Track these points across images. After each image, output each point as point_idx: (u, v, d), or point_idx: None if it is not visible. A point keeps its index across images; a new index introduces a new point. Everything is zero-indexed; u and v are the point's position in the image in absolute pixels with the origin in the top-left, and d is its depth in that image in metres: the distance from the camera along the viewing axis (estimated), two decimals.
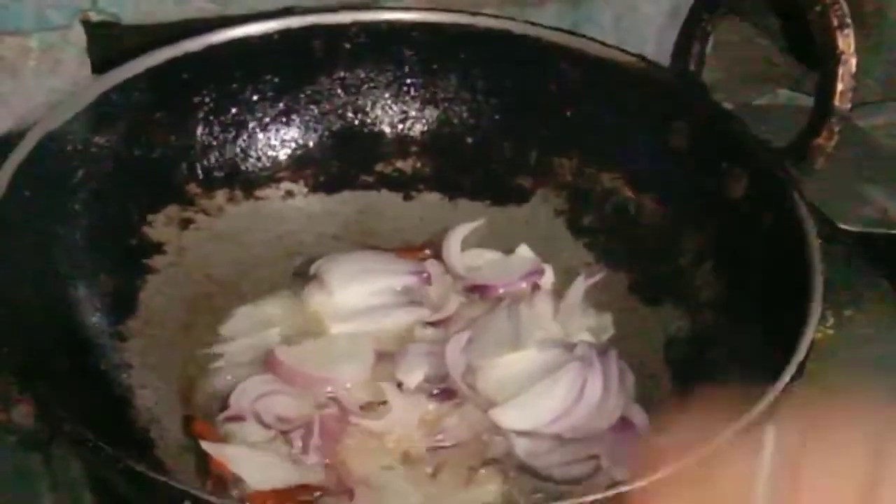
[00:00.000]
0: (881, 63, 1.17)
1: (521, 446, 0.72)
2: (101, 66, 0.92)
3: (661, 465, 0.59)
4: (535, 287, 0.85)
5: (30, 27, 0.93)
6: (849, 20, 0.74)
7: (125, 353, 0.77)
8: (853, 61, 0.75)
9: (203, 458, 0.72)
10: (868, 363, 0.88)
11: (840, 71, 0.74)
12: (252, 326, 0.81)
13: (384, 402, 0.75)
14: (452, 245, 0.86)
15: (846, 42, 0.74)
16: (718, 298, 0.79)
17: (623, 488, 0.59)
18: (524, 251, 0.86)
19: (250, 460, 0.72)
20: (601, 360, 0.75)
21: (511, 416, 0.73)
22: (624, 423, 0.75)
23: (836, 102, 0.75)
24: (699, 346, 0.79)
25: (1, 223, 0.72)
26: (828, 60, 0.75)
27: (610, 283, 0.85)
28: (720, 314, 0.79)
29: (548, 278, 0.86)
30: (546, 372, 0.75)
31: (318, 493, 0.71)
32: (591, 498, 0.58)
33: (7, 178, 0.74)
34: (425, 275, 0.83)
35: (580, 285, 0.85)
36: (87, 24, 0.95)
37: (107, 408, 0.72)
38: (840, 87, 0.74)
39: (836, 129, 0.75)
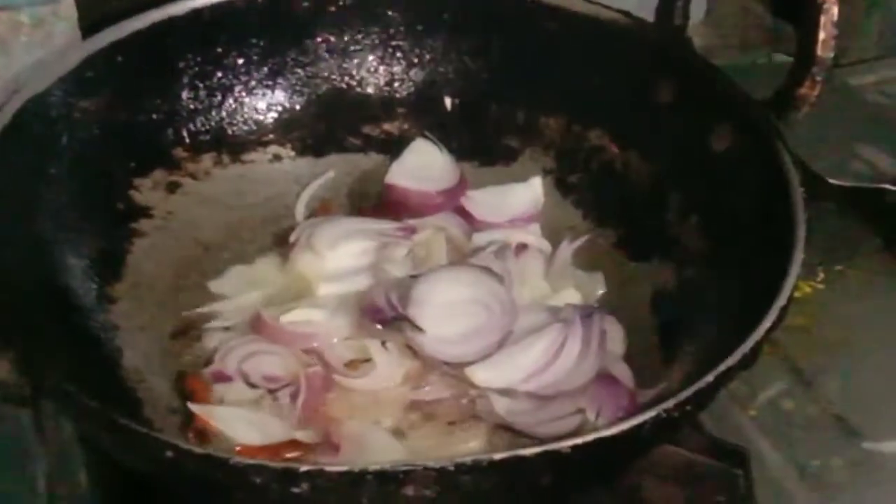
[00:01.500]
0: (874, 22, 1.17)
1: (501, 404, 0.72)
2: None
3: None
4: (523, 246, 0.85)
5: (20, 1, 0.93)
6: None
7: (113, 315, 0.77)
8: (835, 10, 0.74)
9: (190, 417, 0.72)
10: (859, 317, 0.88)
11: (822, 19, 0.74)
12: (240, 287, 0.81)
13: (368, 360, 0.75)
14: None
15: None
16: (704, 251, 0.79)
17: (598, 434, 0.60)
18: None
19: (239, 419, 0.73)
20: (584, 322, 0.75)
21: (485, 374, 0.73)
22: (608, 378, 0.75)
23: (819, 52, 0.74)
24: (685, 299, 0.79)
25: None
26: (809, 9, 0.74)
27: (597, 239, 0.86)
28: (706, 267, 0.78)
29: (536, 236, 0.86)
30: (528, 333, 0.75)
31: (305, 449, 0.71)
32: (568, 443, 0.58)
33: None
34: (410, 233, 0.83)
35: (567, 247, 0.85)
36: None
37: (94, 368, 0.73)
38: (822, 35, 0.74)
39: (819, 78, 0.75)
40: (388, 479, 0.57)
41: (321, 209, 0.88)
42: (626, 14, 0.87)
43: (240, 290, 0.81)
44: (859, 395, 0.82)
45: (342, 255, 0.82)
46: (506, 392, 0.73)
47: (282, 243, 0.85)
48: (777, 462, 0.78)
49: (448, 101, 0.92)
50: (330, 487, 0.57)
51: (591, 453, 0.60)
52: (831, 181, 0.92)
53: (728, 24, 1.19)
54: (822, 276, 0.90)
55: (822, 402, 0.81)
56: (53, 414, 0.74)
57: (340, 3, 0.89)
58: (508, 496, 0.61)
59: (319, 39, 0.90)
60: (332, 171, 0.90)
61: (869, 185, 0.94)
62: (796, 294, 0.84)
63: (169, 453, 0.59)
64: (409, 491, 0.57)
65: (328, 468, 0.57)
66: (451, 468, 0.57)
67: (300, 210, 0.87)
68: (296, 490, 0.57)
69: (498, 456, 0.58)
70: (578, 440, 0.59)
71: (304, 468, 0.57)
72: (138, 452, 0.62)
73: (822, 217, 0.88)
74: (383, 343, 0.75)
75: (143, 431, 0.60)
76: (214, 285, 0.81)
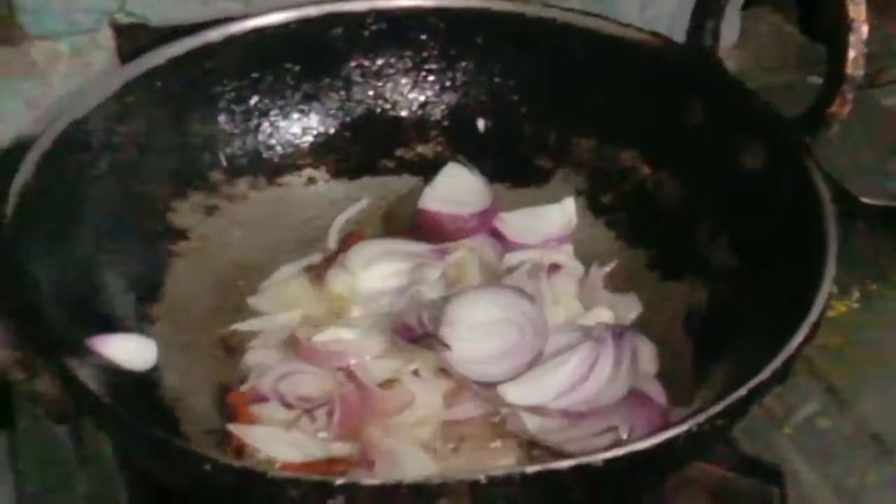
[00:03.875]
0: None
1: (532, 422, 0.73)
2: None
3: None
4: (556, 266, 0.85)
5: (59, 31, 0.95)
6: None
7: (152, 335, 0.78)
8: (864, 29, 0.75)
9: (228, 436, 0.73)
10: (893, 338, 0.88)
11: (852, 38, 0.74)
12: (277, 307, 0.82)
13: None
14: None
15: (857, 10, 0.74)
16: (737, 270, 0.79)
17: (631, 448, 0.60)
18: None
19: (276, 438, 0.73)
20: (615, 341, 0.75)
21: (517, 392, 0.74)
22: (640, 396, 0.75)
23: (849, 70, 0.75)
24: (718, 318, 0.79)
25: (26, 209, 0.73)
26: (839, 28, 0.75)
27: (630, 259, 0.86)
28: (739, 286, 0.78)
29: (569, 257, 0.86)
30: (560, 351, 0.76)
31: (341, 466, 0.72)
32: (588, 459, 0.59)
33: (32, 166, 0.75)
34: (443, 254, 0.84)
35: (600, 268, 0.85)
36: (115, 26, 0.97)
37: (132, 387, 0.73)
38: (852, 54, 0.74)
39: (849, 96, 0.75)
40: (423, 493, 0.57)
41: (354, 237, 0.88)
42: (657, 35, 0.87)
43: (276, 309, 0.82)
44: (895, 413, 0.82)
45: (376, 276, 0.83)
46: (537, 410, 0.73)
47: (318, 264, 0.85)
48: (813, 480, 0.77)
49: (481, 124, 0.92)
50: (364, 501, 0.57)
51: (624, 467, 0.60)
52: (864, 200, 0.92)
53: (762, 46, 1.20)
54: (856, 295, 0.90)
55: (858, 421, 0.81)
56: (93, 431, 0.75)
57: (373, 27, 0.91)
58: None
59: (353, 64, 0.91)
60: (365, 197, 0.91)
61: None
62: (831, 314, 0.85)
63: (206, 467, 0.59)
64: None
65: (363, 482, 0.58)
66: (485, 481, 0.57)
67: (332, 238, 0.88)
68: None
69: (531, 469, 0.58)
70: (611, 454, 0.59)
71: (339, 482, 0.57)
72: (176, 467, 0.63)
73: (858, 237, 0.89)
74: (415, 372, 0.76)
75: (181, 445, 0.61)
76: (252, 301, 0.83)
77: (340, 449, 0.73)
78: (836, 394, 0.83)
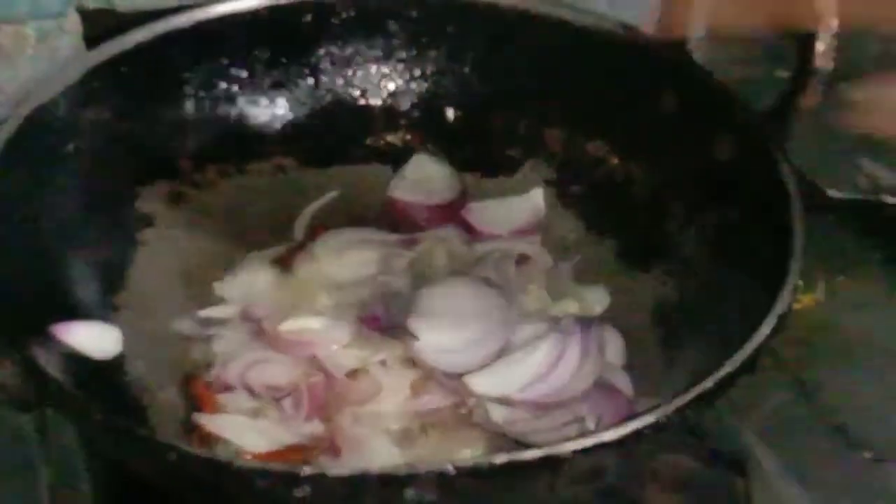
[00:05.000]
0: (876, 38, 1.18)
1: (498, 413, 0.73)
2: None
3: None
4: (524, 257, 0.85)
5: (25, 15, 0.94)
6: None
7: (117, 323, 0.77)
8: (834, 22, 0.75)
9: (195, 425, 0.73)
10: (860, 329, 0.88)
11: (820, 32, 0.74)
12: (243, 296, 0.81)
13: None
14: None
15: (826, 2, 0.74)
16: (705, 261, 0.80)
17: (599, 439, 0.60)
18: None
19: (243, 427, 0.73)
20: (582, 332, 0.75)
21: (483, 382, 0.74)
22: (608, 388, 0.75)
23: (817, 63, 0.75)
24: (687, 309, 0.79)
25: None
26: (808, 21, 0.75)
27: (599, 250, 0.86)
28: (707, 277, 0.79)
29: (537, 247, 0.86)
30: (527, 342, 0.76)
31: (309, 455, 0.72)
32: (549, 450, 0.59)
33: None
34: (412, 244, 0.84)
35: (568, 259, 0.85)
36: (82, 11, 0.96)
37: (97, 375, 0.73)
38: (820, 47, 0.75)
39: (818, 89, 0.75)
40: (390, 482, 0.57)
41: (322, 225, 0.88)
42: (627, 26, 0.87)
43: (243, 298, 0.81)
44: (861, 405, 0.82)
45: (344, 265, 0.83)
46: (504, 400, 0.73)
47: (284, 253, 0.85)
48: (778, 472, 0.78)
49: (450, 113, 0.92)
50: (331, 490, 0.57)
51: (591, 458, 0.60)
52: (831, 193, 0.92)
53: (731, 39, 1.20)
54: (823, 287, 0.90)
55: (824, 413, 0.82)
56: (57, 420, 0.74)
57: (343, 15, 0.90)
58: (509, 501, 0.62)
59: (322, 52, 0.91)
60: (334, 186, 0.90)
61: (867, 198, 0.94)
62: (797, 306, 0.85)
63: (172, 456, 0.59)
64: (410, 494, 0.57)
65: (330, 471, 0.57)
66: (452, 471, 0.57)
67: (300, 226, 0.88)
68: (298, 493, 0.57)
69: (498, 459, 0.58)
70: (579, 444, 0.59)
71: (305, 471, 0.57)
72: (142, 457, 0.62)
73: (824, 229, 0.89)
74: (382, 362, 0.76)
75: (146, 434, 0.61)
76: (219, 289, 0.82)
77: (307, 438, 0.73)
78: (801, 385, 0.84)
